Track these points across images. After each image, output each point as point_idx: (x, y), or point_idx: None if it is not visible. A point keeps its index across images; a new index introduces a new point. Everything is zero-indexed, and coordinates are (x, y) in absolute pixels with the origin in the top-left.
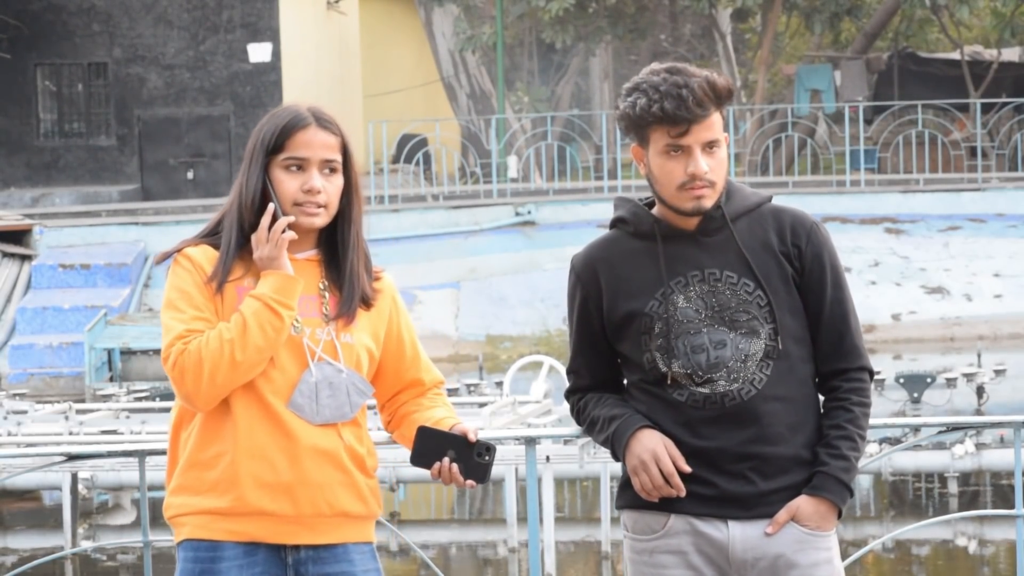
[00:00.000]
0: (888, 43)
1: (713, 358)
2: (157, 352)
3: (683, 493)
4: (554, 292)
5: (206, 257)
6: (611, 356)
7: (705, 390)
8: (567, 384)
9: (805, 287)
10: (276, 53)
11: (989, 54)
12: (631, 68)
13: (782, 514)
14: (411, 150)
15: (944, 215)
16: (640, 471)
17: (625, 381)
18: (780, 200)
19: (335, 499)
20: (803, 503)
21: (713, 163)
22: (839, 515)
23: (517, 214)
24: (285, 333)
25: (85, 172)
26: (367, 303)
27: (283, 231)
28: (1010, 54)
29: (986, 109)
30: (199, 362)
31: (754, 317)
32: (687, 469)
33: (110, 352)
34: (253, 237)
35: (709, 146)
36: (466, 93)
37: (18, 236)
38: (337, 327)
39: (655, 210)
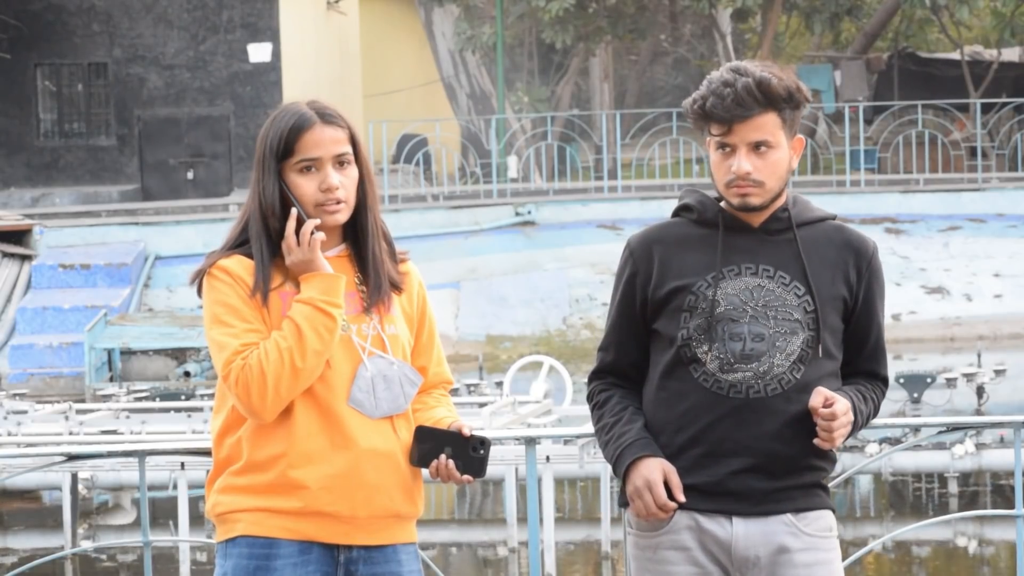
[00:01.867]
0: (888, 43)
1: (748, 349)
2: (157, 352)
3: (671, 515)
4: (554, 292)
5: (243, 267)
6: (643, 339)
7: (732, 379)
8: (594, 365)
9: (856, 310)
10: (276, 53)
11: (989, 54)
12: (631, 68)
13: (816, 397)
14: (411, 150)
15: (944, 215)
16: (635, 498)
17: (657, 373)
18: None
19: (390, 500)
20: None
21: (761, 164)
22: (850, 431)
23: (517, 214)
24: (338, 333)
25: (85, 172)
26: (397, 287)
27: (312, 233)
28: (1010, 54)
29: (986, 109)
30: (262, 375)
31: (797, 320)
32: (681, 499)
33: (110, 352)
34: (283, 244)
35: (757, 146)
36: (466, 93)
37: (18, 236)
38: (380, 319)
39: (723, 203)
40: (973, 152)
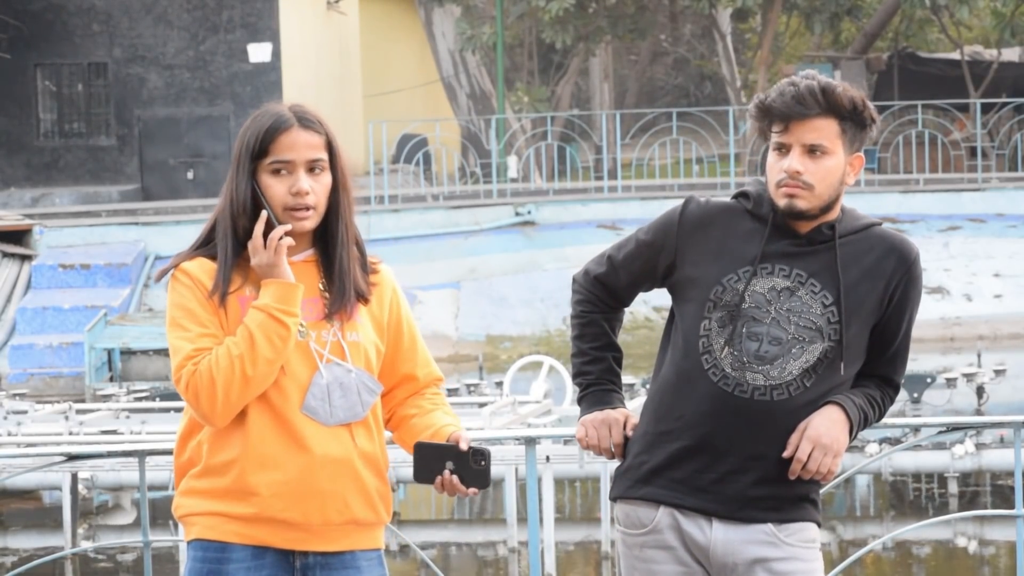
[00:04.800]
0: (888, 43)
1: (763, 351)
2: (157, 352)
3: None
4: (554, 292)
5: (203, 270)
6: (637, 283)
7: (740, 378)
8: (594, 265)
9: (887, 314)
10: (276, 53)
11: (989, 54)
12: (631, 68)
13: (795, 435)
14: (411, 150)
15: (944, 215)
16: (590, 426)
17: (668, 356)
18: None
19: (345, 507)
20: (817, 413)
21: (813, 167)
22: (849, 435)
23: (517, 214)
24: (292, 341)
25: (85, 172)
26: (363, 297)
27: (280, 238)
28: (1010, 54)
29: (986, 109)
30: (212, 382)
31: (818, 329)
32: (614, 450)
33: (110, 352)
34: (249, 245)
35: (812, 150)
36: (466, 93)
37: (18, 236)
38: (342, 326)
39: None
40: (973, 152)
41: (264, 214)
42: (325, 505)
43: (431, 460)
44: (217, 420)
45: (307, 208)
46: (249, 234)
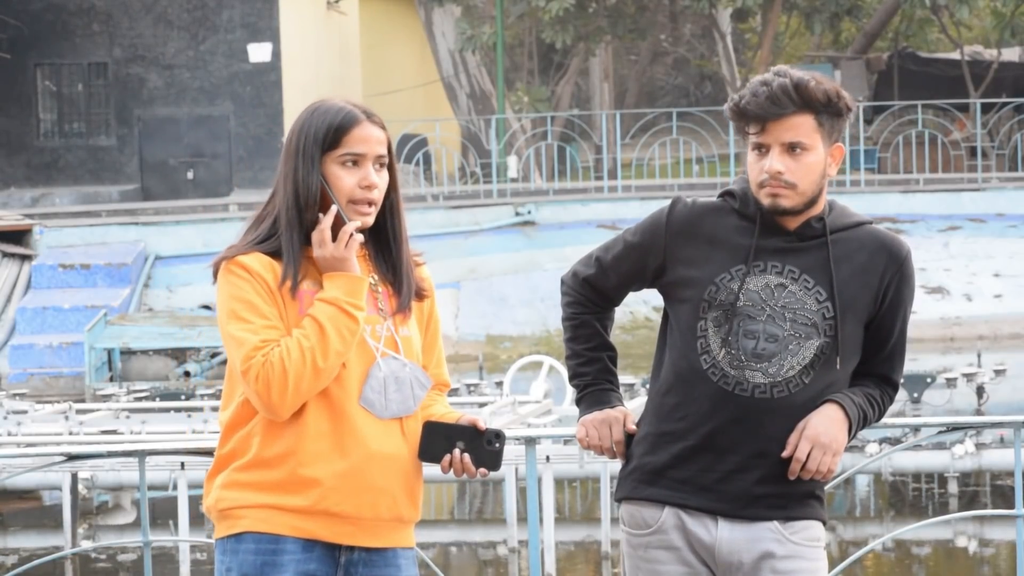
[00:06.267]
0: (888, 43)
1: (760, 348)
2: (157, 352)
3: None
4: (554, 292)
5: (261, 264)
6: (626, 284)
7: (739, 376)
8: (582, 266)
9: (881, 312)
10: (276, 53)
11: (989, 54)
12: (631, 68)
13: (793, 435)
14: (411, 150)
15: (944, 215)
16: (590, 426)
17: (667, 357)
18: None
19: (394, 504)
20: (816, 412)
21: (794, 165)
22: (849, 434)
23: (517, 214)
24: (359, 335)
25: (85, 172)
26: (420, 296)
27: (351, 235)
28: (1010, 54)
29: (986, 109)
30: (284, 373)
31: (814, 325)
32: (615, 449)
33: (110, 352)
34: (314, 235)
35: (791, 148)
36: (466, 93)
37: (18, 236)
38: (395, 321)
39: None
40: (973, 152)
41: (334, 208)
42: (377, 501)
43: (439, 439)
44: (284, 412)
45: (370, 203)
46: (313, 226)
